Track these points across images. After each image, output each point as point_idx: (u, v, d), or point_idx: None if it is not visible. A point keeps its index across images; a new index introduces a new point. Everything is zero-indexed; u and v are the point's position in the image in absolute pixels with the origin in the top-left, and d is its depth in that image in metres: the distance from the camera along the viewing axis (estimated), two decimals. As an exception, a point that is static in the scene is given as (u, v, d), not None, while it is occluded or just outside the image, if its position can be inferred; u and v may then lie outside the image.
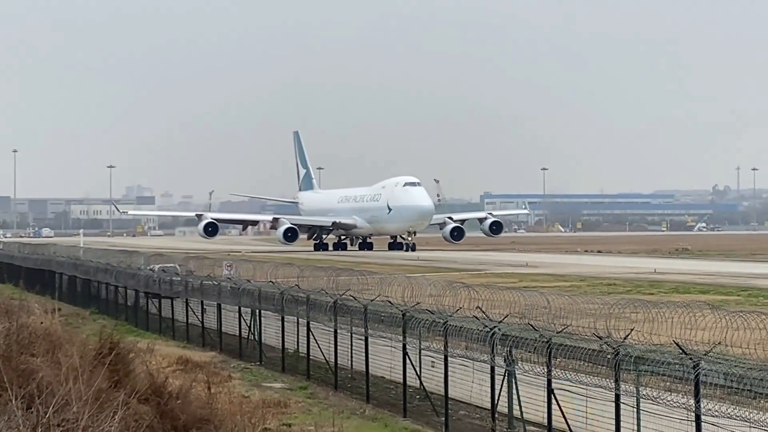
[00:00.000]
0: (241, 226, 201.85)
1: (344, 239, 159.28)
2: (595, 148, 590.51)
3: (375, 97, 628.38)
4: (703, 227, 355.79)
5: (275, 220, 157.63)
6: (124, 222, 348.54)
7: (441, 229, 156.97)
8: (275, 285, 39.13)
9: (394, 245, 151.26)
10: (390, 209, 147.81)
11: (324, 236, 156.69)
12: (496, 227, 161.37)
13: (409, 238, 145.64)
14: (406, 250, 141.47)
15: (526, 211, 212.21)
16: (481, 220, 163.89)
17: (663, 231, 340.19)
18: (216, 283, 43.88)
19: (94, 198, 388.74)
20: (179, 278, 49.10)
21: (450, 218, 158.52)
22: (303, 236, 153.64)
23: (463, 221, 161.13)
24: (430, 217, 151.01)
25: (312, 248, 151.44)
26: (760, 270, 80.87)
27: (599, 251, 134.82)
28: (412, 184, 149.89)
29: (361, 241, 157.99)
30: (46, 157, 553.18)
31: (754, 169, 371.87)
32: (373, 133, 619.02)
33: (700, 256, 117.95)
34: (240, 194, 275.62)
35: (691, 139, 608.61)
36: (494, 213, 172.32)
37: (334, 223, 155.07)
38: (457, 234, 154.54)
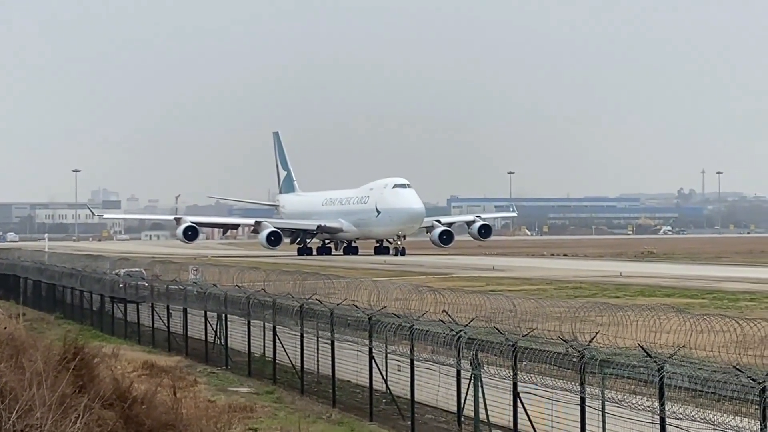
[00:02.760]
0: (209, 231, 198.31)
1: (328, 243, 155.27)
2: (562, 152, 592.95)
3: (339, 99, 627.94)
4: (669, 230, 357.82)
5: (257, 223, 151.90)
6: (90, 226, 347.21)
7: (428, 232, 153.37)
8: (241, 289, 39.02)
9: (380, 249, 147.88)
10: (378, 212, 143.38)
11: (308, 240, 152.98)
12: (485, 231, 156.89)
13: (399, 242, 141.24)
14: (395, 255, 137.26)
15: (514, 214, 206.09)
16: (469, 224, 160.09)
17: (629, 234, 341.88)
18: (182, 288, 43.72)
19: (59, 202, 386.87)
20: (145, 283, 48.90)
21: (438, 221, 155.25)
22: (285, 240, 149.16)
23: (450, 224, 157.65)
24: (421, 220, 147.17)
25: (296, 253, 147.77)
26: (724, 273, 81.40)
27: (565, 255, 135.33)
28: (402, 185, 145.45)
29: (345, 245, 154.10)
30: (10, 161, 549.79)
31: (718, 173, 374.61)
32: (337, 136, 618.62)
33: (666, 259, 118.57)
34: (218, 197, 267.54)
35: (656, 142, 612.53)
36: (482, 216, 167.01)
37: (318, 227, 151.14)
38: (446, 238, 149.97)
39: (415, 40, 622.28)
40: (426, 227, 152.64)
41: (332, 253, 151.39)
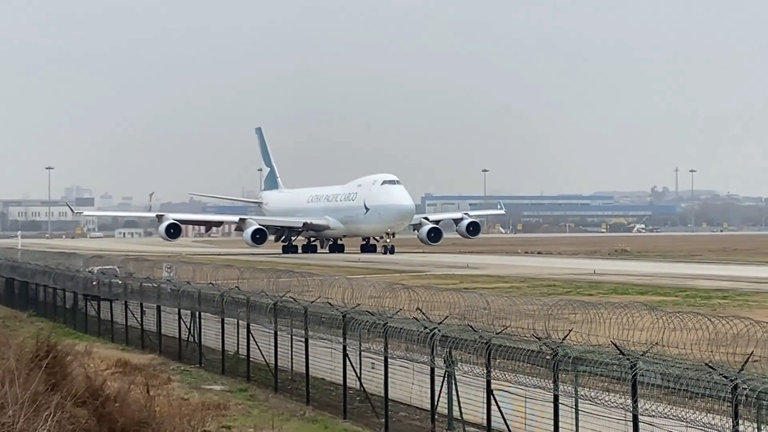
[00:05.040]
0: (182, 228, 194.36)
1: (314, 241, 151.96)
2: (536, 150, 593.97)
3: (310, 98, 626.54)
4: (642, 228, 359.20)
5: (242, 221, 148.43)
6: (63, 224, 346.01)
7: (415, 230, 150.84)
8: (215, 287, 38.94)
9: (367, 247, 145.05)
10: (367, 209, 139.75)
11: (293, 238, 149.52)
12: (474, 228, 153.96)
13: (388, 240, 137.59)
14: (384, 253, 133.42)
15: (502, 211, 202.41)
16: (457, 221, 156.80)
17: (602, 232, 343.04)
18: (155, 285, 43.58)
19: (32, 199, 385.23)
20: (118, 280, 48.73)
21: (426, 219, 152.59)
22: (270, 238, 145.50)
23: (438, 222, 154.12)
24: (411, 217, 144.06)
25: (281, 251, 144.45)
26: (697, 271, 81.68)
27: (539, 252, 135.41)
28: (392, 182, 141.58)
29: (331, 243, 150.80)
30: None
31: (692, 171, 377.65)
32: (308, 135, 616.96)
33: (639, 257, 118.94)
34: (199, 194, 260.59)
35: (630, 141, 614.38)
36: (470, 213, 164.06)
37: (305, 224, 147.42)
38: (434, 235, 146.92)
39: (391, 42, 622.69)
40: (414, 225, 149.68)
41: (318, 251, 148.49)
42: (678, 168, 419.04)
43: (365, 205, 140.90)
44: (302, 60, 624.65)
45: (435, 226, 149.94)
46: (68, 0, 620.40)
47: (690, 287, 62.52)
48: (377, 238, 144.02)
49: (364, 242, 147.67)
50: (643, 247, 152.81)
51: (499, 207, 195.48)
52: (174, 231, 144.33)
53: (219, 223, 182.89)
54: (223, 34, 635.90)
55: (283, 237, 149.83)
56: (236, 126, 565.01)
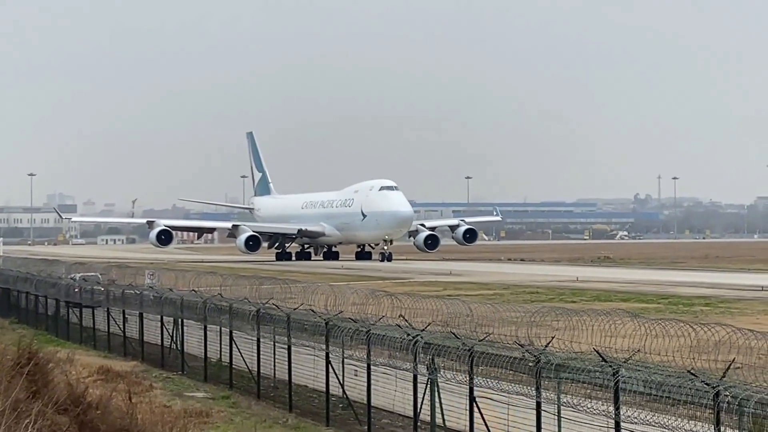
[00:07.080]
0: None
1: (308, 248, 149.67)
2: (518, 157, 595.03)
3: (288, 106, 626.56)
4: (625, 235, 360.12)
5: (235, 227, 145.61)
6: (46, 230, 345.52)
7: (410, 237, 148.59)
8: (198, 294, 38.86)
9: (362, 254, 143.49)
10: (364, 215, 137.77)
11: (287, 245, 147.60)
12: (470, 235, 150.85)
13: (385, 247, 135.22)
14: (382, 260, 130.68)
15: (498, 218, 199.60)
16: (453, 228, 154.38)
17: (585, 239, 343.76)
18: (138, 292, 43.48)
19: (14, 206, 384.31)
20: (100, 287, 48.60)
21: (422, 225, 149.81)
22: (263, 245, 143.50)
23: (433, 228, 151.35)
24: (410, 224, 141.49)
25: (274, 258, 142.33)
26: (680, 278, 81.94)
27: (522, 259, 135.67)
28: (390, 188, 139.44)
29: (326, 250, 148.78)
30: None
31: (674, 178, 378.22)
32: (289, 139, 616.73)
33: (622, 264, 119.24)
34: (191, 200, 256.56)
35: (613, 147, 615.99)
36: (467, 220, 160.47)
37: (299, 231, 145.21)
38: (431, 242, 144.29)
39: (377, 48, 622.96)
40: (410, 231, 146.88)
41: (312, 259, 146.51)
42: (661, 175, 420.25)
43: (362, 212, 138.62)
44: (292, 63, 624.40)
45: (432, 233, 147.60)
46: (58, 2, 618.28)
47: (672, 294, 62.70)
48: (373, 245, 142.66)
49: (359, 249, 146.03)
50: (626, 254, 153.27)
51: (495, 213, 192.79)
52: (165, 237, 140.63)
53: (212, 230, 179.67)
54: (212, 35, 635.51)
55: (277, 244, 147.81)
56: (220, 133, 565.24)
